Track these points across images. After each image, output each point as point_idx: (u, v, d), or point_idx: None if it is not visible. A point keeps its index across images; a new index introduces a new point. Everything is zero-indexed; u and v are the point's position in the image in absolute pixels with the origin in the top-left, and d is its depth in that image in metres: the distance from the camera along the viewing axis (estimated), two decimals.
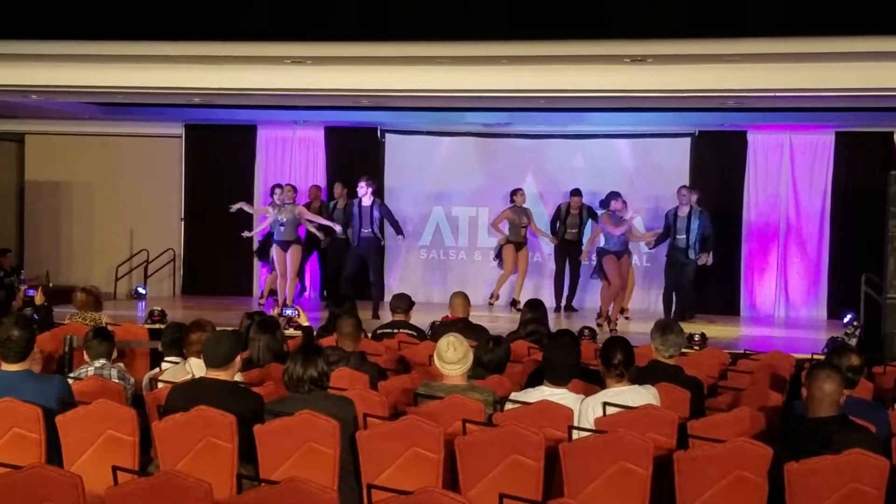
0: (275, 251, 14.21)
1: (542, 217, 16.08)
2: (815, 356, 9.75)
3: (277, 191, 14.35)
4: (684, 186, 14.08)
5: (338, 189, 15.42)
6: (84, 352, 7.32)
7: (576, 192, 14.85)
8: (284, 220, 14.00)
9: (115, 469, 4.76)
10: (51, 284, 15.79)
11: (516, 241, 14.59)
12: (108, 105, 15.22)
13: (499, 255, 14.76)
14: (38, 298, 10.52)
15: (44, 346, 8.60)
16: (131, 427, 5.63)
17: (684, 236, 13.59)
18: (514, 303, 14.35)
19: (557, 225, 14.95)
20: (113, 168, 17.39)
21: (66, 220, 17.66)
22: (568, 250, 14.88)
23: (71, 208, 17.69)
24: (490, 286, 15.76)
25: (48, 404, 5.69)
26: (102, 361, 7.13)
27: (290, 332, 10.28)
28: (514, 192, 14.69)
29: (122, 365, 7.55)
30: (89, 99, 14.65)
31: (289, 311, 10.92)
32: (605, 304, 13.31)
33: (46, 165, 17.50)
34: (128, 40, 11.12)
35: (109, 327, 9.52)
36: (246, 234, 14.90)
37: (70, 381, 6.78)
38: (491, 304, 14.47)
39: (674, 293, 13.91)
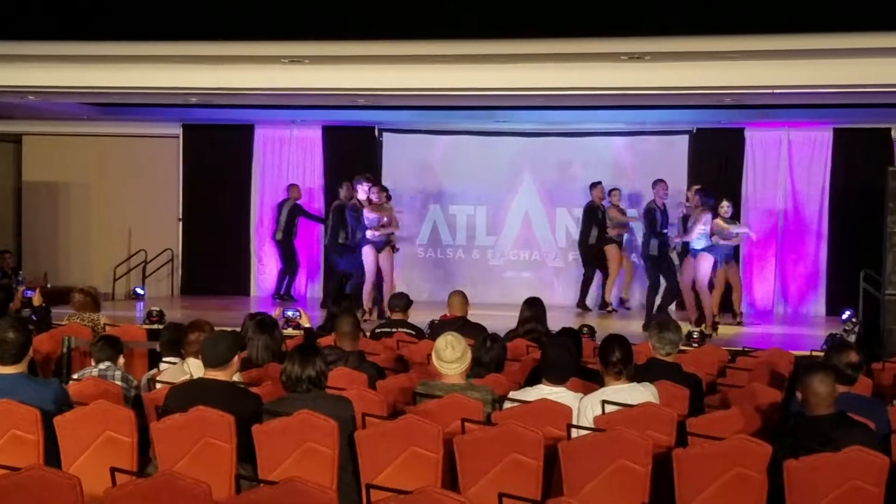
0: (368, 252, 13.67)
1: (541, 216, 16.11)
2: (815, 353, 9.75)
3: (365, 188, 13.80)
4: (661, 180, 13.97)
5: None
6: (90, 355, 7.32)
7: (596, 184, 14.90)
8: (384, 220, 13.71)
9: (113, 470, 4.75)
10: (49, 285, 15.78)
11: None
12: (106, 105, 15.21)
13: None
14: (36, 299, 10.53)
15: (42, 348, 8.60)
16: (129, 428, 5.62)
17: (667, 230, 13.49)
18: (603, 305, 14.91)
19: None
20: (110, 168, 17.37)
21: (64, 221, 17.66)
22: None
23: (69, 209, 17.68)
24: (487, 284, 15.84)
25: (44, 407, 5.67)
26: (108, 364, 7.12)
27: (289, 332, 10.27)
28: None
29: None
30: (86, 99, 14.64)
31: (290, 312, 10.91)
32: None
33: (44, 166, 17.49)
34: (125, 40, 11.11)
35: (108, 328, 9.54)
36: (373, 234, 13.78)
37: (73, 381, 6.78)
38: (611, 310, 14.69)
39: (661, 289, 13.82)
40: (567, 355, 6.42)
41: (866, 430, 5.42)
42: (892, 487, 5.01)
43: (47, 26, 10.99)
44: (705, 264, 12.79)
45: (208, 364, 5.98)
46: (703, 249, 12.79)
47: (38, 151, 17.58)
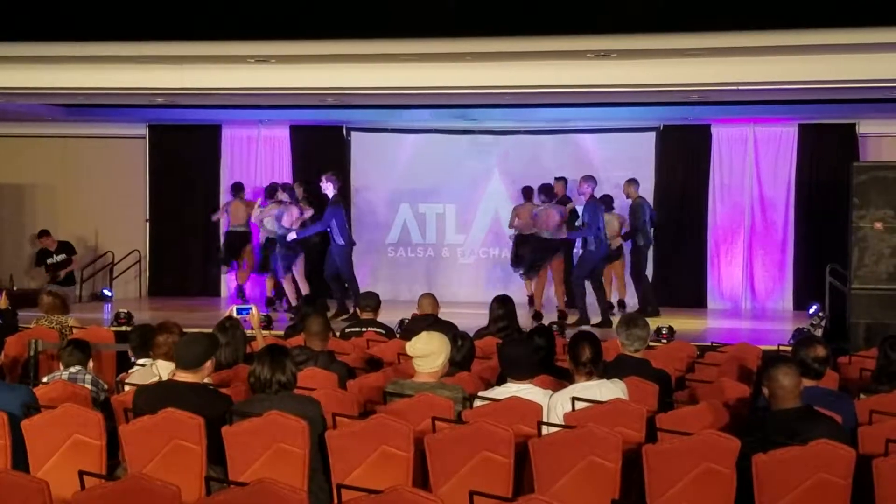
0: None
1: (510, 214, 16.09)
2: (782, 347, 9.82)
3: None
4: (584, 176, 13.37)
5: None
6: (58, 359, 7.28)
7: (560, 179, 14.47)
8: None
9: (81, 473, 4.72)
10: (14, 288, 15.64)
11: None
12: (71, 106, 15.09)
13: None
14: (2, 302, 10.43)
15: (9, 351, 8.54)
16: (98, 431, 5.58)
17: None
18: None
19: None
20: (76, 170, 17.24)
21: (30, 223, 17.49)
22: None
23: (34, 210, 17.53)
24: (457, 282, 15.84)
25: (12, 411, 5.63)
26: (78, 367, 7.08)
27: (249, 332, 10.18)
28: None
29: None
30: (51, 101, 14.53)
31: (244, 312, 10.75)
32: None
33: (8, 168, 17.32)
34: (89, 41, 11.05)
35: (75, 330, 9.47)
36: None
37: (42, 384, 6.73)
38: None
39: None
40: (524, 351, 6.41)
41: (833, 423, 5.46)
42: (859, 480, 5.06)
43: (10, 27, 10.90)
44: None
45: (181, 365, 5.93)
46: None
47: (2, 153, 17.41)
